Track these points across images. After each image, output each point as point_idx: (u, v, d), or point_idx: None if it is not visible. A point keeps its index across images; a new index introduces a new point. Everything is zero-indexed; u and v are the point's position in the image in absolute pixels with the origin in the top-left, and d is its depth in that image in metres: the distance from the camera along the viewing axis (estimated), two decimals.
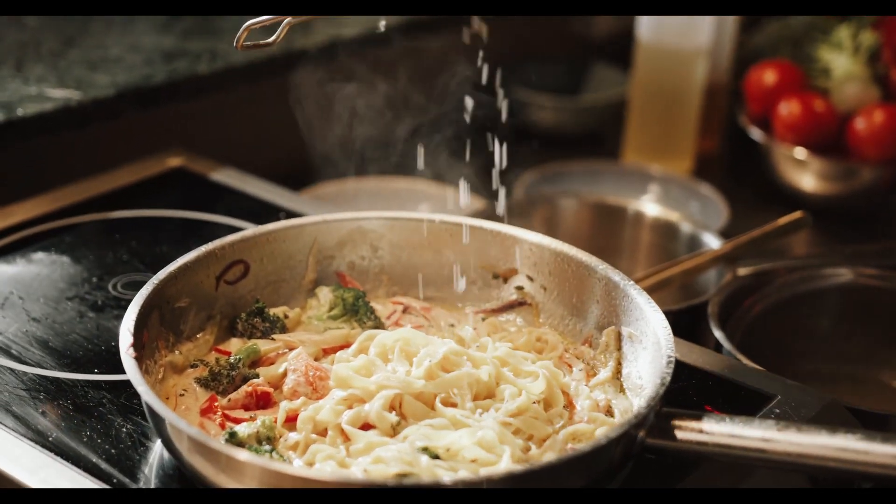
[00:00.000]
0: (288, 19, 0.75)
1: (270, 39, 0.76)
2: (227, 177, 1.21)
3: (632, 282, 0.88)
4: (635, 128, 1.59)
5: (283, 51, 1.36)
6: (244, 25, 0.74)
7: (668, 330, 0.81)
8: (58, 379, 0.89)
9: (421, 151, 1.03)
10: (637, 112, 1.58)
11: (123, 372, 0.76)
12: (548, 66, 1.75)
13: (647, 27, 1.54)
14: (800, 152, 1.47)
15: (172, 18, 1.44)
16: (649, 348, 0.84)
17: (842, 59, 1.50)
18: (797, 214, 1.12)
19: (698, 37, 1.53)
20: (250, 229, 0.95)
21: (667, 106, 1.56)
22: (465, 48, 1.17)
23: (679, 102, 1.56)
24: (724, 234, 1.25)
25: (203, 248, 0.91)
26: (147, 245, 1.09)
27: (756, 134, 1.52)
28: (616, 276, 0.89)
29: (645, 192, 1.42)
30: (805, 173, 1.48)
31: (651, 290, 0.99)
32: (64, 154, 1.26)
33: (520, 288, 0.96)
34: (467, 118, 1.01)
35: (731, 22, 1.59)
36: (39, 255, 1.06)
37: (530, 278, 0.95)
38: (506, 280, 0.97)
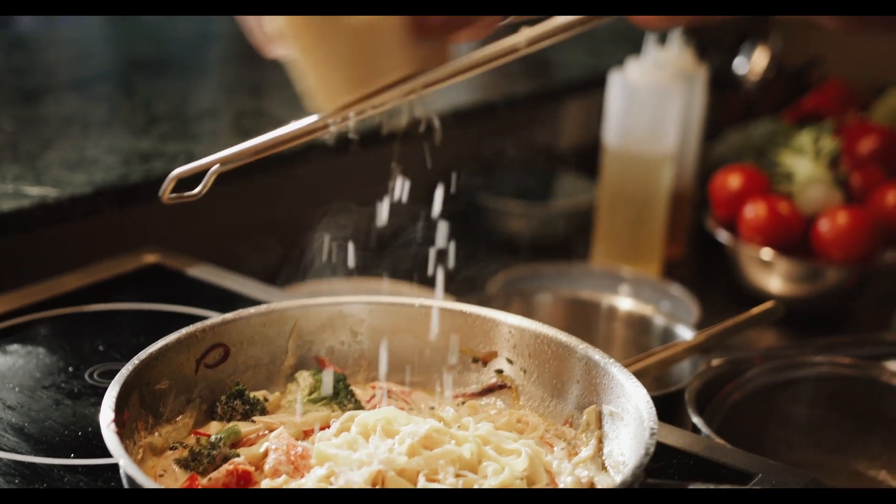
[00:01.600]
0: (215, 167, 0.73)
1: (196, 191, 0.74)
2: (203, 272, 1.22)
3: (612, 360, 0.88)
4: (603, 233, 1.61)
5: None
6: (169, 176, 0.72)
7: (650, 403, 0.82)
8: (34, 464, 0.87)
9: (396, 254, 1.04)
10: (605, 217, 1.60)
11: (100, 456, 0.75)
12: (518, 175, 1.78)
13: (614, 133, 1.58)
14: (766, 253, 1.49)
15: (150, 123, 1.46)
16: (631, 424, 0.84)
17: (804, 163, 1.54)
18: (769, 304, 1.14)
19: (663, 143, 1.56)
20: (230, 313, 0.95)
21: (634, 211, 1.59)
22: (437, 155, 1.19)
23: (645, 208, 1.58)
24: (697, 328, 1.26)
25: (183, 331, 0.91)
26: (123, 336, 1.08)
27: (723, 236, 1.55)
28: (596, 355, 0.89)
29: (616, 292, 1.44)
30: (772, 274, 1.51)
31: None
32: (41, 250, 1.27)
33: (500, 371, 0.96)
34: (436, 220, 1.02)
35: (695, 129, 1.63)
36: (15, 347, 1.06)
37: (510, 361, 0.96)
38: (486, 363, 0.97)
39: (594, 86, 1.77)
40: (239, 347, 0.94)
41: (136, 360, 0.86)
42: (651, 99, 1.55)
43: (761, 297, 1.51)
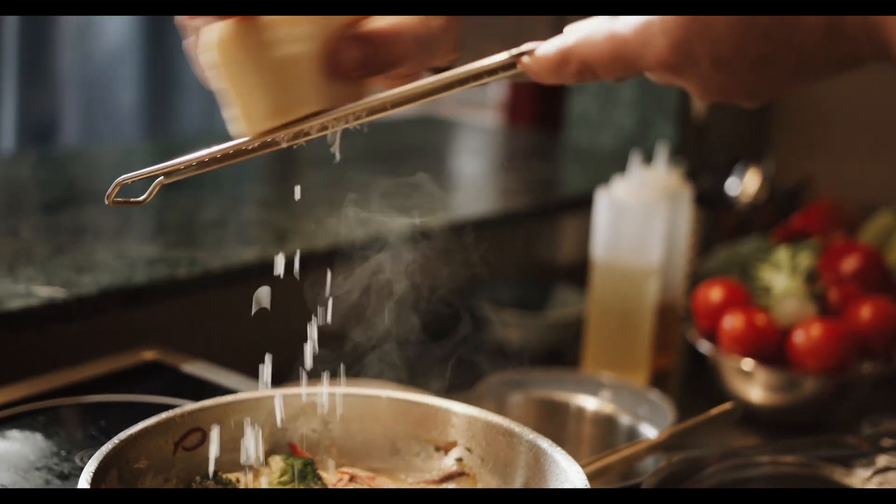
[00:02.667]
0: (160, 178, 0.78)
1: (141, 198, 0.79)
2: (197, 368, 1.30)
3: (558, 447, 0.95)
4: (593, 342, 1.67)
5: (258, 260, 1.47)
6: (115, 181, 0.77)
7: (587, 482, 0.88)
8: None
9: (391, 357, 1.12)
10: (594, 328, 1.67)
11: None
12: (517, 286, 1.86)
13: (601, 248, 1.65)
14: (746, 363, 1.55)
15: (159, 232, 1.56)
16: None
17: (781, 277, 1.60)
18: (727, 405, 1.20)
19: (650, 257, 1.64)
20: (208, 400, 1.02)
21: (621, 322, 1.65)
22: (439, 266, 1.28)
23: (632, 319, 1.65)
24: None
25: (164, 415, 0.98)
26: (115, 424, 1.16)
27: (704, 347, 1.61)
28: (544, 443, 0.96)
29: (595, 396, 1.50)
30: (751, 384, 1.56)
31: (590, 478, 1.05)
32: (48, 346, 1.35)
33: (459, 459, 1.03)
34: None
35: (681, 245, 1.70)
36: (14, 433, 1.13)
37: (469, 450, 1.02)
38: (446, 452, 1.03)
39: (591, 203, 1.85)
40: (215, 432, 1.01)
41: (116, 440, 0.93)
42: (636, 216, 1.63)
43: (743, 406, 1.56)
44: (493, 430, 1.00)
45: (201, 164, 0.79)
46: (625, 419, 1.31)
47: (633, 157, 1.68)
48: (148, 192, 0.79)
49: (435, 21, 0.80)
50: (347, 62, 0.75)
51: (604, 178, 1.82)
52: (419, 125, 2.57)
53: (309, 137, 0.78)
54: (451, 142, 2.47)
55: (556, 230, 2.05)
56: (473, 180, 2.17)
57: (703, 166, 2.06)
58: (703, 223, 1.95)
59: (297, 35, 0.74)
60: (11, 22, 3.13)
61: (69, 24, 3.26)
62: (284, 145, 0.78)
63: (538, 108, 3.11)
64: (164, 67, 3.45)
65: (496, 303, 1.79)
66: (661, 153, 1.73)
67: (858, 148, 2.22)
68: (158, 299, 1.38)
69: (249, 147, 0.78)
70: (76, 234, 1.53)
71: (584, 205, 1.92)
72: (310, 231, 1.58)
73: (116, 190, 0.78)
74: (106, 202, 0.78)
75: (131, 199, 0.79)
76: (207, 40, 0.75)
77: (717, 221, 1.99)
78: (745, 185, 2.01)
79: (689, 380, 1.72)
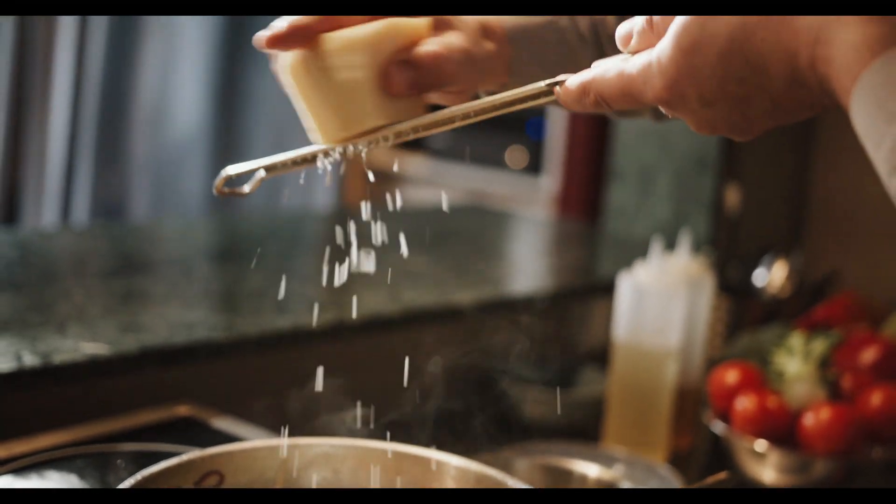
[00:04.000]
0: (261, 173, 0.87)
1: (247, 189, 0.88)
2: (226, 424, 1.39)
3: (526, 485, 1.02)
4: (613, 422, 1.74)
5: (292, 327, 1.56)
6: (221, 174, 0.87)
7: None
8: None
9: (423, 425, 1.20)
10: (614, 406, 1.74)
11: None
12: (543, 365, 1.93)
13: (623, 330, 1.73)
14: (759, 444, 1.61)
15: (202, 298, 1.66)
16: None
17: (794, 362, 1.66)
18: (722, 475, 1.25)
19: (669, 340, 1.71)
20: (228, 444, 1.11)
21: (641, 402, 1.72)
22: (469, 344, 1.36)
23: (652, 399, 1.72)
24: None
25: (184, 457, 1.07)
26: (143, 466, 1.25)
27: (718, 427, 1.66)
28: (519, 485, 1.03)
29: (606, 468, 1.56)
30: (764, 465, 1.61)
31: None
32: (90, 398, 1.45)
33: None
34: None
35: (701, 330, 1.77)
36: (52, 474, 1.23)
37: None
38: None
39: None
40: (233, 475, 1.10)
41: (138, 476, 1.02)
42: (657, 300, 1.71)
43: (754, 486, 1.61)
44: (486, 481, 1.08)
45: (295, 162, 0.88)
46: (625, 485, 1.37)
47: (654, 243, 1.76)
48: (250, 183, 0.88)
49: (486, 45, 0.93)
50: (398, 83, 0.86)
51: (634, 264, 1.90)
52: (468, 213, 2.67)
53: (384, 144, 0.88)
54: (495, 229, 2.56)
55: (586, 312, 2.12)
56: (510, 263, 2.26)
57: (733, 256, 2.13)
58: (730, 311, 2.01)
59: (354, 62, 0.85)
60: (91, 105, 3.30)
61: (145, 110, 3.43)
62: (364, 149, 0.88)
63: (586, 199, 3.20)
64: (232, 152, 3.60)
65: (524, 380, 1.86)
66: (684, 241, 1.81)
67: (890, 243, 2.28)
68: (195, 359, 1.48)
69: (338, 150, 0.88)
70: (126, 298, 1.63)
71: (612, 289, 2.00)
72: (345, 303, 1.67)
73: (223, 181, 0.88)
74: (214, 192, 0.87)
75: (236, 190, 0.88)
76: (281, 65, 0.87)
77: (744, 310, 2.05)
78: (772, 276, 2.07)
79: (705, 459, 1.77)
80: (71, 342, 1.43)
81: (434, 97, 0.93)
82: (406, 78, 0.86)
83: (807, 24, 0.69)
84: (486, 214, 2.73)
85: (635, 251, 2.18)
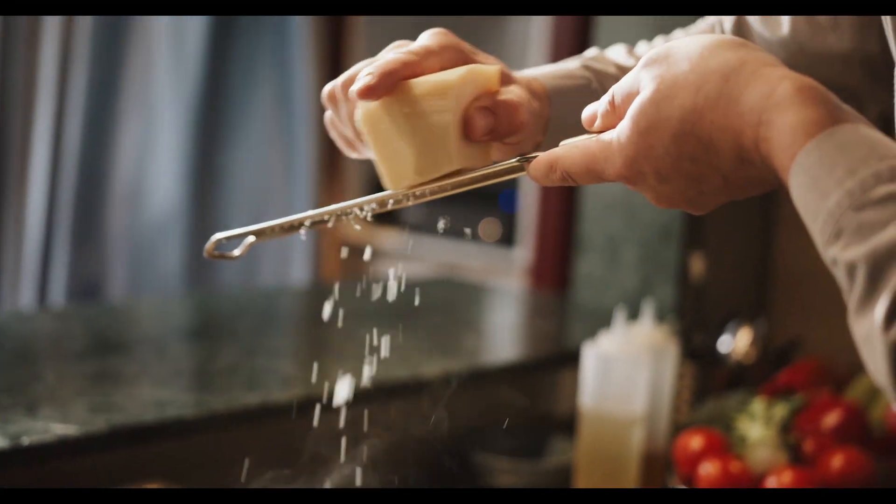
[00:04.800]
0: (250, 238, 0.89)
1: (236, 254, 0.89)
2: None
3: None
4: (581, 487, 1.76)
5: (262, 402, 1.59)
6: (212, 238, 0.88)
7: None
8: None
9: None
10: (582, 474, 1.76)
11: None
12: (511, 435, 1.96)
13: (589, 398, 1.76)
14: None
15: (173, 376, 1.69)
16: None
17: (755, 427, 1.69)
18: None
19: (634, 406, 1.74)
20: None
21: (608, 468, 1.75)
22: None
23: (618, 465, 1.74)
24: None
25: None
26: None
27: None
28: None
29: None
30: None
31: None
32: (61, 479, 1.47)
33: None
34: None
35: (665, 397, 1.80)
36: None
37: None
38: None
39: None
40: None
41: None
42: (621, 368, 1.74)
43: None
44: None
45: (283, 228, 0.91)
46: None
47: (617, 314, 1.80)
48: (240, 248, 0.89)
49: (534, 103, 0.97)
50: (479, 128, 0.90)
51: (599, 334, 1.94)
52: (441, 286, 2.70)
53: (440, 194, 0.90)
54: (467, 301, 2.60)
55: (555, 382, 2.15)
56: (480, 335, 2.29)
57: (699, 324, 2.17)
58: (696, 377, 2.05)
59: (443, 106, 0.89)
60: (68, 184, 3.34)
61: (122, 188, 3.46)
62: (410, 203, 0.90)
63: (558, 269, 3.24)
64: (209, 229, 3.64)
65: (493, 450, 1.89)
66: (647, 311, 1.85)
67: None
68: (165, 437, 1.50)
69: (325, 218, 0.90)
70: (98, 378, 1.66)
71: (579, 358, 2.03)
72: (312, 379, 1.70)
73: (214, 245, 0.89)
74: (204, 255, 0.90)
75: (226, 254, 0.90)
76: (357, 114, 0.90)
77: (710, 376, 2.08)
78: (737, 342, 2.11)
79: None
80: (41, 423, 1.45)
81: (495, 147, 0.97)
82: (487, 123, 0.91)
83: (750, 106, 0.75)
84: (459, 287, 2.76)
85: (604, 320, 2.21)
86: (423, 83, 0.89)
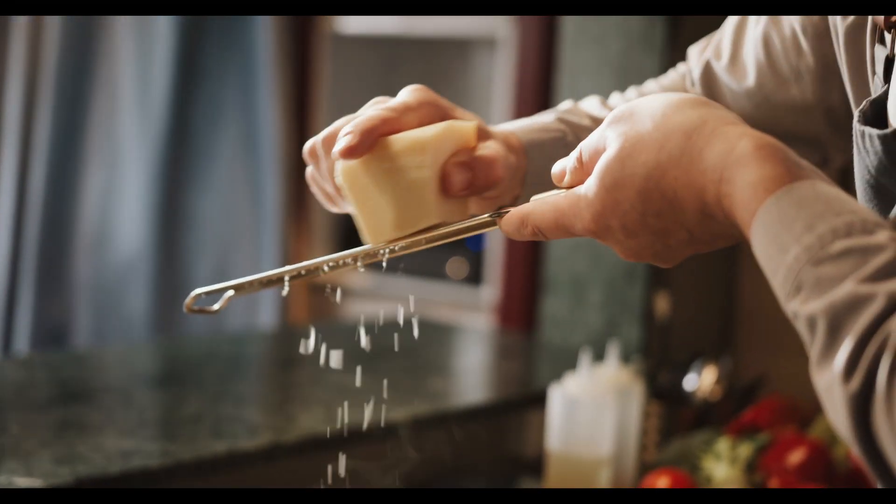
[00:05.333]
0: (229, 292, 0.90)
1: (215, 307, 0.89)
2: None
3: None
4: None
5: (228, 450, 1.58)
6: (192, 293, 0.89)
7: None
8: None
9: None
10: None
11: None
12: (478, 479, 1.96)
13: (556, 440, 1.76)
14: None
15: (139, 426, 1.68)
16: None
17: (721, 467, 1.70)
18: None
19: (601, 447, 1.75)
20: None
21: None
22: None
23: None
24: None
25: None
26: None
27: None
28: None
29: None
30: None
31: None
32: None
33: None
34: None
35: (632, 437, 1.81)
36: None
37: None
38: None
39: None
40: None
41: None
42: (588, 410, 1.75)
43: None
44: None
45: (261, 283, 0.92)
46: None
47: (582, 355, 1.81)
48: (219, 302, 0.90)
49: (511, 157, 0.99)
50: (457, 184, 0.92)
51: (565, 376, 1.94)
52: (409, 327, 2.70)
53: (415, 249, 0.92)
54: (435, 341, 2.60)
55: (523, 423, 2.16)
56: (447, 377, 2.29)
57: (664, 363, 2.18)
58: (662, 417, 2.06)
59: (421, 162, 0.90)
60: (33, 231, 3.33)
61: (86, 235, 3.45)
62: (383, 259, 0.93)
63: (525, 309, 3.25)
64: (175, 275, 3.63)
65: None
66: (613, 352, 1.86)
67: None
68: (130, 489, 1.49)
69: (302, 272, 0.92)
70: (62, 429, 1.65)
71: (546, 400, 2.04)
72: (280, 426, 1.70)
73: (193, 300, 0.90)
74: (184, 310, 0.90)
75: (206, 309, 0.90)
76: (340, 169, 0.91)
77: (676, 415, 2.09)
78: (702, 381, 2.12)
79: None
80: (4, 477, 1.44)
81: (473, 200, 0.99)
82: (464, 179, 0.92)
83: (712, 163, 0.77)
84: (428, 327, 2.77)
85: (570, 361, 2.22)
86: (401, 140, 0.90)
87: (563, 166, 0.88)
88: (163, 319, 3.54)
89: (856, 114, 0.87)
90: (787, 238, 0.71)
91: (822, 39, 1.01)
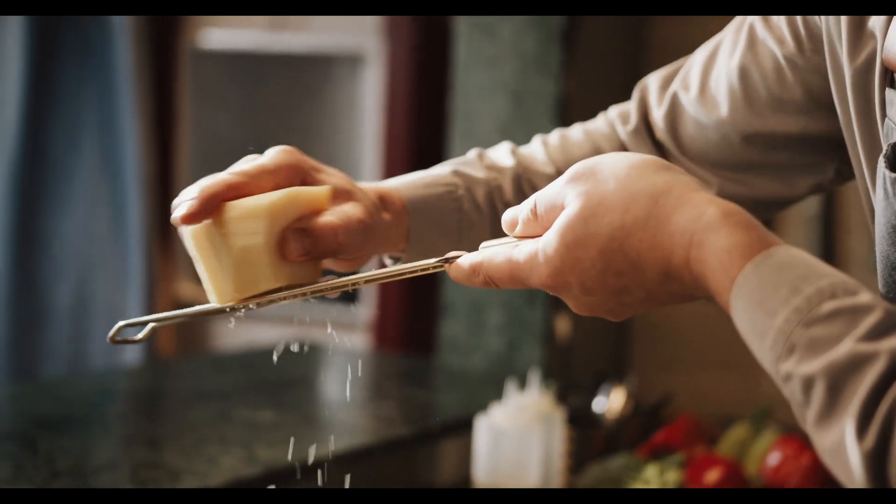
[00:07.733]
0: (152, 324, 0.89)
1: (138, 337, 0.89)
2: None
3: None
4: None
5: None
6: (116, 325, 0.88)
7: None
8: None
9: None
10: None
11: None
12: None
13: (482, 470, 1.74)
14: None
15: (52, 478, 1.58)
16: None
17: None
18: None
19: (528, 478, 1.73)
20: None
21: None
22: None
23: None
24: None
25: None
26: None
27: None
28: None
29: None
30: None
31: None
32: None
33: None
34: None
35: (556, 463, 1.80)
36: None
37: None
38: None
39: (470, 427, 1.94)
40: None
41: None
42: (514, 440, 1.73)
43: None
44: None
45: (185, 316, 0.91)
46: None
47: (508, 383, 1.79)
48: (142, 333, 0.90)
49: (384, 216, 0.99)
50: (294, 250, 0.91)
51: (477, 401, 1.92)
52: (291, 353, 2.63)
53: (274, 304, 0.92)
54: (325, 369, 2.54)
55: (436, 455, 2.12)
56: (350, 410, 2.24)
57: (571, 387, 2.18)
58: (575, 441, 2.05)
59: (253, 228, 0.89)
60: None
61: None
62: (253, 307, 0.91)
63: (406, 331, 3.22)
64: (33, 299, 3.47)
65: None
66: (534, 378, 1.85)
67: (713, 363, 2.38)
68: None
69: (226, 308, 0.91)
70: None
71: (461, 428, 2.01)
72: (204, 471, 1.63)
73: (117, 331, 0.89)
74: (108, 341, 0.89)
75: (130, 339, 0.89)
76: (183, 231, 0.90)
77: (587, 439, 2.09)
78: (610, 402, 2.13)
79: None
80: None
81: (329, 262, 0.98)
82: (301, 246, 0.90)
83: (681, 228, 0.78)
84: (311, 351, 2.71)
85: (475, 387, 2.21)
86: (237, 206, 0.90)
87: (514, 215, 0.88)
88: (17, 357, 3.37)
89: (882, 160, 0.87)
90: (773, 302, 0.72)
91: (811, 74, 1.02)
